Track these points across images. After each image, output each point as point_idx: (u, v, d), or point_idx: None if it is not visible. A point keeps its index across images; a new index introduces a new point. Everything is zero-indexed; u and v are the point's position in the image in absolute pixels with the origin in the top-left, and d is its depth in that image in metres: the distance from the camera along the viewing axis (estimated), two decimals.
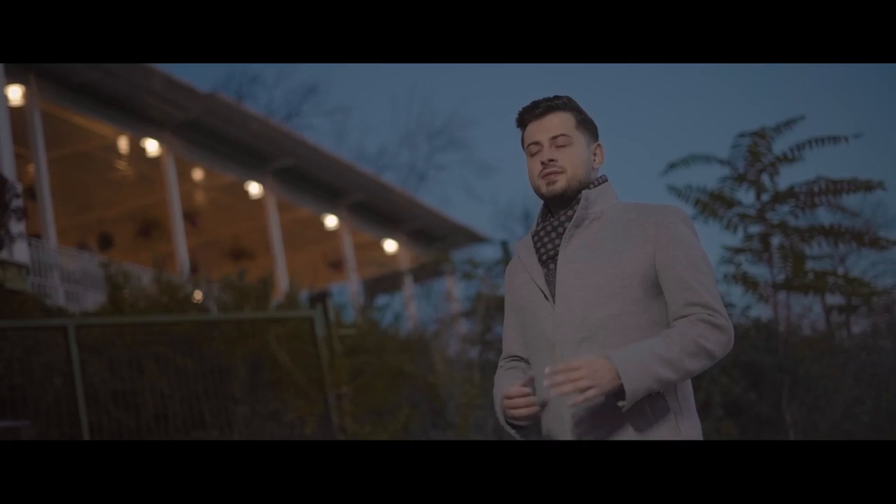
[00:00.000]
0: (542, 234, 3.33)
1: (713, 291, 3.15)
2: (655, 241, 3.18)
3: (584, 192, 3.29)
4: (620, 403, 3.02)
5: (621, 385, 2.98)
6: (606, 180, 3.37)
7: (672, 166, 9.85)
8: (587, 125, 3.35)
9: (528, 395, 3.18)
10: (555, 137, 3.29)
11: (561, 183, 3.27)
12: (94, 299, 13.53)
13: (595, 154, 3.36)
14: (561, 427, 3.18)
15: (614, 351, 3.01)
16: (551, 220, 3.32)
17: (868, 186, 9.37)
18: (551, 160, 3.28)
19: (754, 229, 9.74)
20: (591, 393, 2.95)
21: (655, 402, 3.12)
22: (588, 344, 3.15)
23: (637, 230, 3.21)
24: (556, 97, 3.34)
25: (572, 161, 3.28)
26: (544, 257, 3.30)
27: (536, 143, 3.31)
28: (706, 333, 3.08)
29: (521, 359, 3.45)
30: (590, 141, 3.35)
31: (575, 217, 3.26)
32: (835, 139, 9.47)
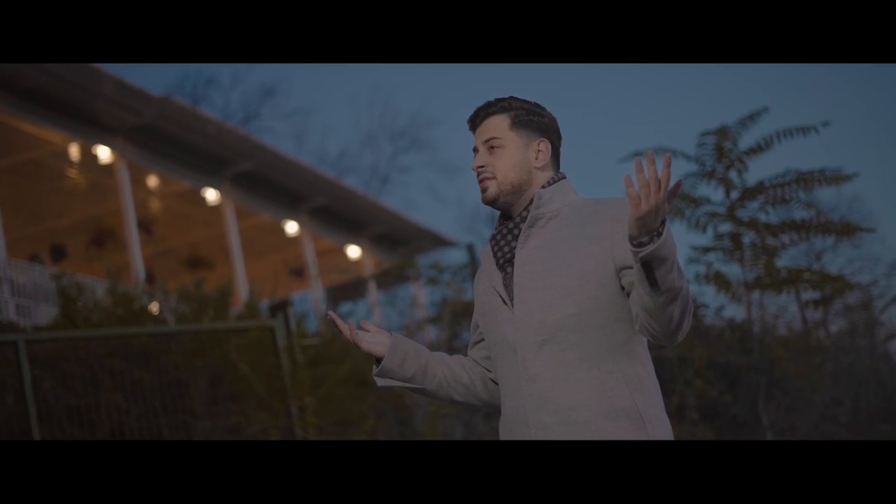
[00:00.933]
0: (498, 237, 3.37)
1: None
2: (612, 235, 3.17)
3: (537, 191, 3.31)
4: (640, 250, 2.92)
5: (654, 232, 2.91)
6: (564, 178, 3.38)
7: (636, 155, 9.86)
8: (526, 124, 3.35)
9: (332, 319, 3.32)
10: (486, 141, 3.35)
11: (492, 189, 3.32)
12: (46, 313, 13.43)
13: (539, 151, 3.36)
14: (526, 433, 3.19)
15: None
16: (507, 223, 3.35)
17: (838, 178, 9.43)
18: (481, 166, 3.33)
19: (724, 227, 9.77)
20: (643, 207, 2.87)
21: (619, 402, 3.13)
22: (549, 346, 3.17)
23: (594, 226, 3.21)
24: (496, 100, 3.39)
25: (502, 164, 3.32)
26: (501, 261, 3.33)
27: (475, 150, 3.38)
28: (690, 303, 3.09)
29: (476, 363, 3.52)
30: (529, 140, 3.35)
31: (529, 217, 3.28)
32: (804, 130, 9.53)
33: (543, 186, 3.33)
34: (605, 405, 3.12)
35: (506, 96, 3.40)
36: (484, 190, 3.32)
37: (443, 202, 53.42)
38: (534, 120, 3.37)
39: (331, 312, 3.34)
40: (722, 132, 9.68)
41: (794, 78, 56.16)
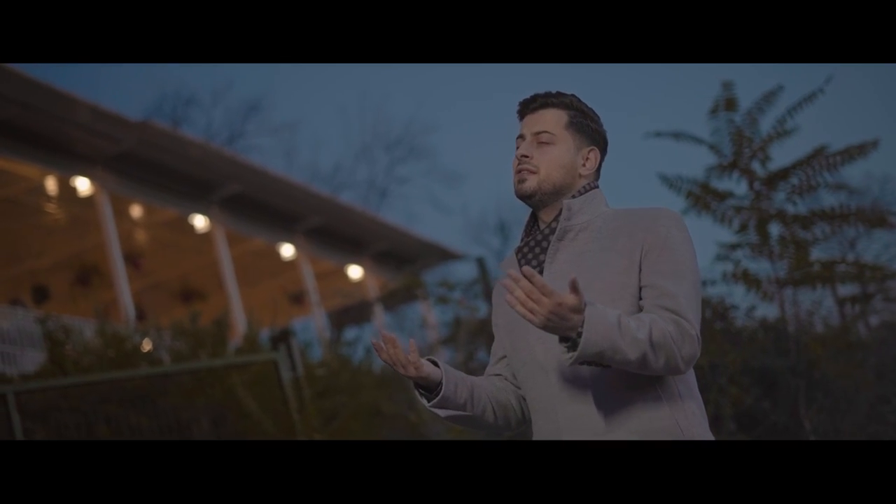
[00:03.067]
0: (525, 250, 3.34)
1: (693, 303, 3.12)
2: (642, 247, 3.18)
3: (566, 201, 3.29)
4: (566, 357, 2.97)
5: (576, 337, 2.94)
6: (597, 188, 3.37)
7: (658, 135, 9.88)
8: (581, 128, 3.36)
9: (392, 340, 3.18)
10: (538, 133, 3.33)
11: (531, 183, 3.30)
12: (33, 359, 13.46)
13: (586, 159, 3.36)
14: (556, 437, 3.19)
15: (594, 306, 2.94)
16: (535, 234, 3.33)
17: (862, 150, 9.48)
18: (525, 156, 3.31)
19: (751, 222, 9.77)
20: (537, 322, 2.91)
21: (659, 422, 3.12)
22: (583, 364, 3.14)
23: (625, 238, 3.21)
24: (557, 93, 3.38)
25: (549, 161, 3.30)
26: None
27: (521, 137, 3.36)
28: (675, 334, 3.04)
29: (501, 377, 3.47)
30: (581, 144, 3.36)
31: (558, 229, 3.27)
32: (810, 98, 9.58)
33: (574, 196, 3.33)
34: (645, 425, 3.11)
35: (568, 93, 3.39)
36: (521, 181, 3.30)
37: (447, 213, 53.46)
38: (591, 126, 3.38)
39: (384, 332, 3.21)
40: (729, 101, 9.70)
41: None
